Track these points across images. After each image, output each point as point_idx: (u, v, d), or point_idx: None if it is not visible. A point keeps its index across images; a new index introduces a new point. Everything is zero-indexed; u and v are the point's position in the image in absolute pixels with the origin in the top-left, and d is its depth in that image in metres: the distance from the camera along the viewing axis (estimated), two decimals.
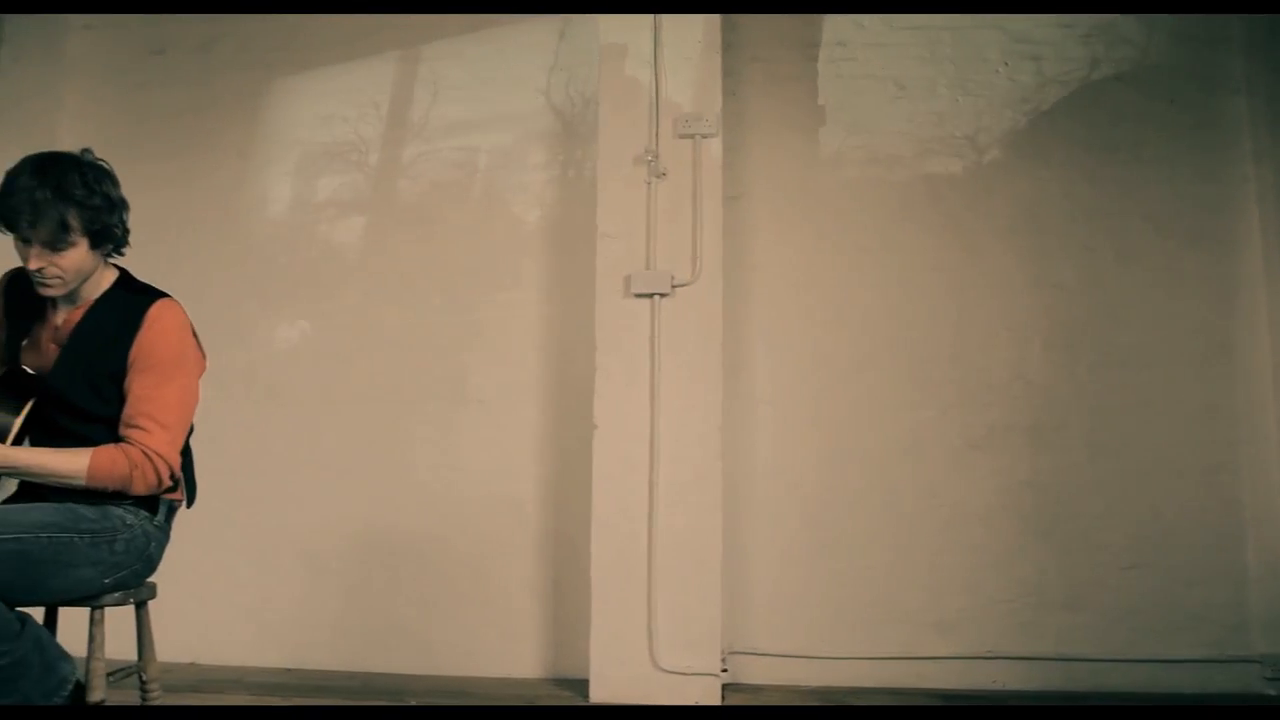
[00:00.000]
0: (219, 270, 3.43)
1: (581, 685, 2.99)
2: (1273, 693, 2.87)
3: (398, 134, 3.46)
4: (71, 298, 1.80)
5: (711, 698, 2.76)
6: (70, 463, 1.66)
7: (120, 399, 1.75)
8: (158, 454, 1.71)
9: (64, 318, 1.82)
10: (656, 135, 2.94)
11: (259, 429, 3.34)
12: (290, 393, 3.38)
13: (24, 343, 1.84)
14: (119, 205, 1.78)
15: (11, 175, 1.68)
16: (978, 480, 3.07)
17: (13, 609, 1.55)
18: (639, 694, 2.77)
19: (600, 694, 2.80)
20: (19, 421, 1.70)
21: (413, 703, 2.77)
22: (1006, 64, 3.24)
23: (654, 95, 2.97)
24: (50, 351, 1.80)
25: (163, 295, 1.83)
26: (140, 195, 3.64)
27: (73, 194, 1.66)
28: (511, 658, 3.13)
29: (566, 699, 2.89)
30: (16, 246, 1.71)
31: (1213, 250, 3.08)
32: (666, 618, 2.80)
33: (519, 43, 3.38)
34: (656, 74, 2.97)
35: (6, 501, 1.70)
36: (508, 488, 3.20)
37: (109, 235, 1.76)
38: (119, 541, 1.70)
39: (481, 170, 3.40)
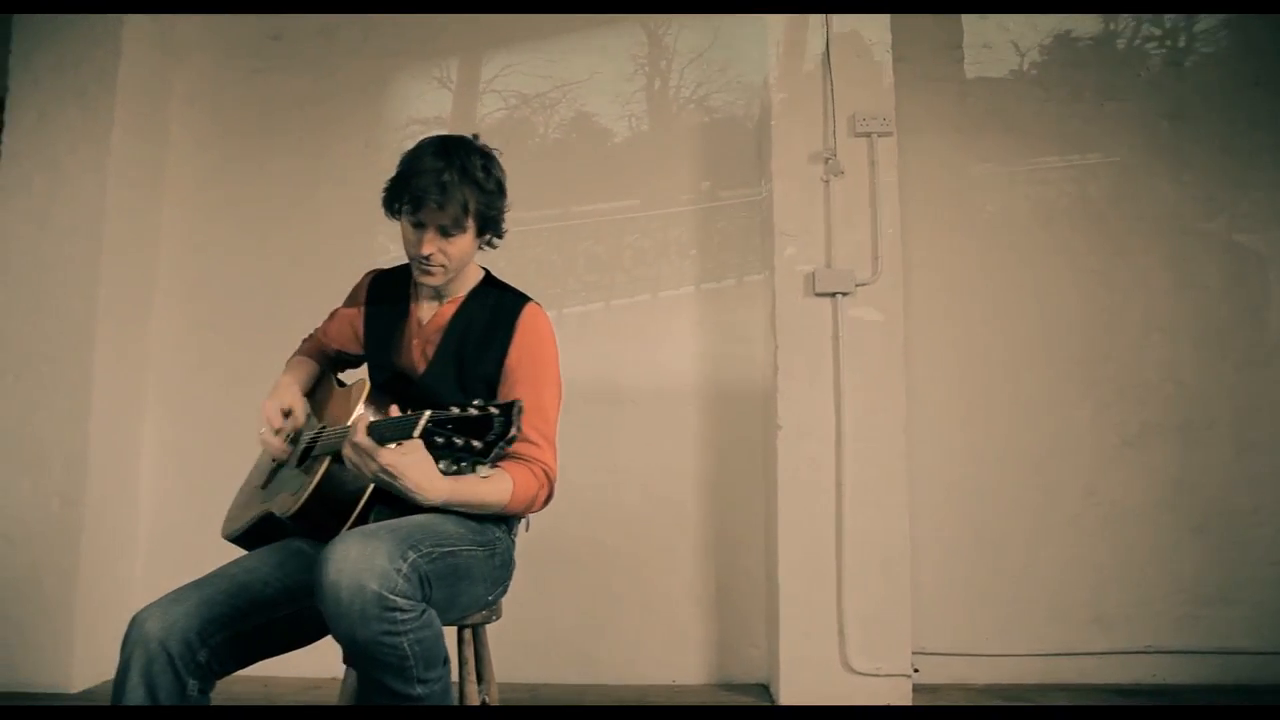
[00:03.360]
0: (349, 268, 3.28)
1: (756, 689, 2.96)
2: None
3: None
4: (437, 293, 1.73)
5: (903, 699, 2.75)
6: (497, 493, 1.55)
7: None
8: (553, 471, 1.65)
9: (429, 314, 1.74)
10: (835, 133, 2.91)
11: None
12: None
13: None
14: (504, 193, 1.70)
15: (414, 156, 1.62)
16: (1133, 478, 3.12)
17: None
18: (829, 696, 2.74)
19: (789, 696, 2.76)
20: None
21: None
22: (1148, 68, 3.30)
23: (828, 94, 2.94)
24: (416, 349, 1.72)
25: (530, 298, 1.75)
26: (263, 183, 3.45)
27: (475, 176, 1.60)
28: (676, 663, 3.07)
29: (748, 702, 2.85)
30: (404, 229, 1.64)
31: None
32: (855, 619, 2.77)
33: None
34: (830, 73, 2.94)
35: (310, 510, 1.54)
36: (667, 490, 3.14)
37: (494, 224, 1.68)
38: (496, 555, 1.61)
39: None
